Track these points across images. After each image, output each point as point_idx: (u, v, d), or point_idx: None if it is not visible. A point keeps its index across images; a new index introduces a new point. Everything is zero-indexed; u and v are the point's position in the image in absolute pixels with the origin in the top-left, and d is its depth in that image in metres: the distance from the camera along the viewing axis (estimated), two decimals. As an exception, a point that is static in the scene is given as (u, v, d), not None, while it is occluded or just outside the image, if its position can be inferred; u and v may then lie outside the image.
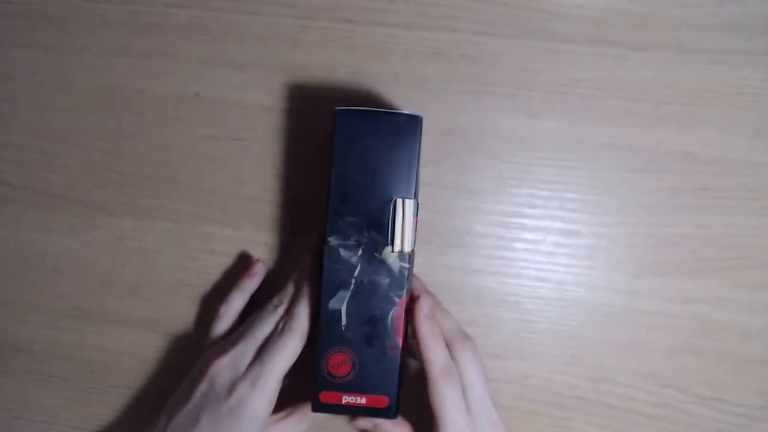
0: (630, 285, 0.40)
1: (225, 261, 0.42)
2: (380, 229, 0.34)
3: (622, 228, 0.40)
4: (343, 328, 0.35)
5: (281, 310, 0.36)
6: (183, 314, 0.43)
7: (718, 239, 0.40)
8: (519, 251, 0.41)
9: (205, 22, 0.41)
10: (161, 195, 0.42)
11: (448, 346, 0.35)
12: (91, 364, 0.44)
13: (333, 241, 0.34)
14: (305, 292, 0.35)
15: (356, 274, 0.34)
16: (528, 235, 0.41)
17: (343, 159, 0.34)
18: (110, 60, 0.42)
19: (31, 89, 0.43)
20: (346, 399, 0.35)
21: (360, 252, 0.34)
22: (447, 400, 0.33)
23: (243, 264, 0.42)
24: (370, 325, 0.35)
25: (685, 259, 0.40)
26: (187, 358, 0.43)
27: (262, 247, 0.42)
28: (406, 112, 0.34)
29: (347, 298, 0.34)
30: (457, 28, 0.39)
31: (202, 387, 0.34)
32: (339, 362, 0.35)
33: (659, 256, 0.40)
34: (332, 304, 0.34)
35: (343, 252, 0.34)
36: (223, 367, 0.34)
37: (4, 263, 0.44)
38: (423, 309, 0.34)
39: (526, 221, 0.41)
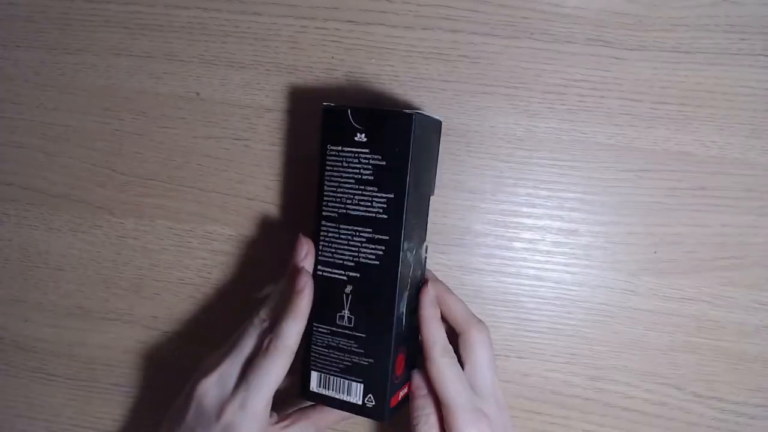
0: (628, 284, 0.41)
1: (225, 260, 0.43)
2: (424, 226, 0.36)
3: (620, 227, 0.40)
4: (403, 327, 0.35)
5: (267, 325, 0.35)
6: (184, 313, 0.44)
7: (715, 238, 0.40)
8: (518, 250, 0.41)
9: (206, 22, 0.41)
10: (162, 194, 0.43)
11: (461, 329, 0.36)
12: (92, 362, 0.45)
13: (406, 245, 0.34)
14: (294, 308, 0.34)
15: (410, 273, 0.35)
16: (527, 235, 0.41)
17: (414, 163, 0.33)
18: (111, 60, 0.42)
19: (34, 89, 0.43)
20: (402, 393, 0.36)
21: (414, 251, 0.35)
22: (450, 376, 0.33)
23: (242, 262, 0.43)
24: (413, 315, 0.36)
25: (683, 258, 0.40)
26: (188, 357, 0.44)
27: (263, 247, 0.42)
28: (436, 116, 0.36)
29: (406, 298, 0.35)
30: (456, 28, 0.39)
31: (193, 406, 0.34)
32: (400, 362, 0.35)
33: (657, 255, 0.40)
34: (400, 308, 0.34)
35: (409, 255, 0.34)
36: (209, 388, 0.34)
37: (7, 262, 0.45)
38: (429, 293, 0.35)
39: (525, 220, 0.41)
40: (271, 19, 0.40)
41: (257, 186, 0.42)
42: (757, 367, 0.41)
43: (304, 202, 0.42)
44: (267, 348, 0.33)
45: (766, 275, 0.40)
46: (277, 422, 0.35)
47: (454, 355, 0.35)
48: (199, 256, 0.43)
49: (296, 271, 0.34)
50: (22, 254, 0.44)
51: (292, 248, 0.35)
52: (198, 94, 0.42)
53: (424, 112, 0.34)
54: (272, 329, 0.34)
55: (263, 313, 0.35)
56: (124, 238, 0.43)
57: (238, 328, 0.36)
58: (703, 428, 0.42)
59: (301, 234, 0.36)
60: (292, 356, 0.34)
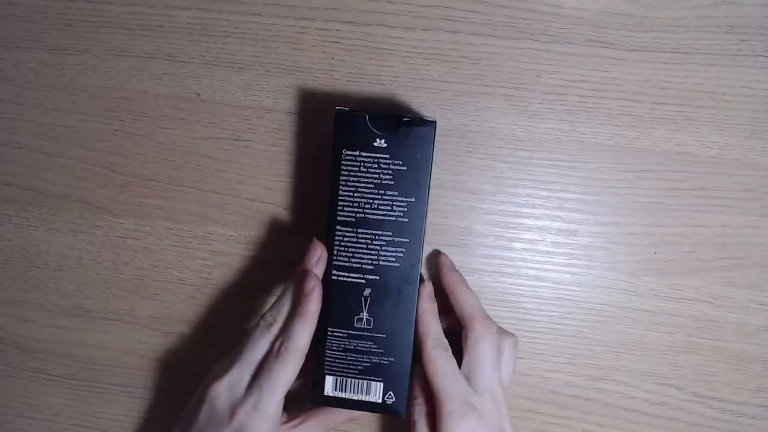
0: (628, 284, 0.41)
1: (225, 261, 0.43)
2: (426, 225, 0.36)
3: (620, 227, 0.40)
4: None
5: (275, 329, 0.34)
6: (184, 313, 0.44)
7: (715, 238, 0.40)
8: (518, 251, 0.41)
9: (206, 23, 0.41)
10: (162, 195, 0.43)
11: (466, 322, 0.36)
12: (92, 363, 0.45)
13: (424, 246, 0.35)
14: (304, 310, 0.34)
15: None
16: (527, 235, 0.41)
17: (432, 169, 0.35)
18: (112, 61, 0.42)
19: (34, 90, 0.43)
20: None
21: (424, 251, 0.36)
22: (441, 368, 0.34)
23: (243, 263, 0.43)
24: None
25: (683, 258, 0.40)
26: (189, 357, 0.44)
27: (263, 248, 0.42)
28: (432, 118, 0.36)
29: None
30: (456, 29, 0.39)
31: (205, 410, 0.34)
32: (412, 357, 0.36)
33: (657, 256, 0.40)
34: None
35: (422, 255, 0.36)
36: (221, 392, 0.34)
37: (7, 262, 0.45)
38: (427, 288, 0.36)
39: (525, 221, 0.41)
40: (271, 20, 0.40)
41: (257, 187, 0.42)
42: (758, 367, 0.41)
43: (305, 203, 0.42)
44: (278, 350, 0.33)
45: (766, 275, 0.40)
46: (286, 422, 0.36)
47: (448, 348, 0.35)
48: (199, 257, 0.43)
49: (304, 274, 0.34)
50: (22, 255, 0.44)
51: (304, 252, 0.35)
52: (198, 94, 0.42)
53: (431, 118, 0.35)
54: (281, 332, 0.34)
55: (270, 317, 0.35)
56: (124, 238, 0.43)
57: (246, 332, 0.36)
58: (703, 428, 0.42)
59: (315, 238, 0.35)
60: (303, 358, 0.34)
